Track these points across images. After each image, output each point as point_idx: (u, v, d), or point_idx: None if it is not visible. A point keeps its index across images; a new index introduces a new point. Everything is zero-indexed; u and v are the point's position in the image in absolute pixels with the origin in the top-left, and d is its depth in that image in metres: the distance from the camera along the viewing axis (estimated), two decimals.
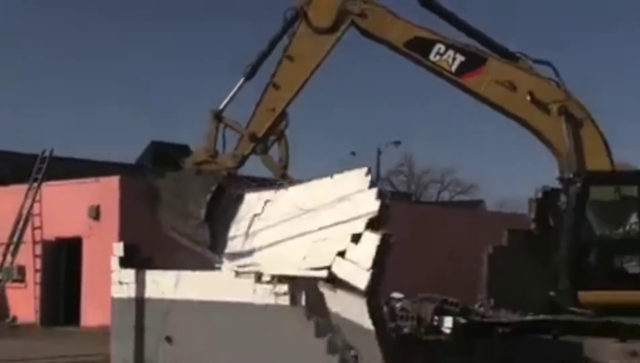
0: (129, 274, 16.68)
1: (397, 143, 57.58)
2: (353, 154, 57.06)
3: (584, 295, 14.50)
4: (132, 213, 25.18)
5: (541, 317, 15.05)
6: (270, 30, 15.27)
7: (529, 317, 15.21)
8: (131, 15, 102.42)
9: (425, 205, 49.20)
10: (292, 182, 14.73)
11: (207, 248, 14.82)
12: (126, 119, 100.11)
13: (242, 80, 15.22)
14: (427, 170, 73.07)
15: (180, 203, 14.90)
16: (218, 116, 15.22)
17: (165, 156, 40.76)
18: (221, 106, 15.30)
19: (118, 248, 17.27)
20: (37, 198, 27.48)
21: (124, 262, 16.88)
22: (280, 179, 15.33)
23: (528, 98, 15.22)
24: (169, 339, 15.74)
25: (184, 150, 47.80)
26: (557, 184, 16.11)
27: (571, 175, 15.12)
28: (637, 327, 13.89)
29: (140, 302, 16.46)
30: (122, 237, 22.40)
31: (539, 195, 16.62)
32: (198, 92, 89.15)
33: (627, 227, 15.28)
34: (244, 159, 15.26)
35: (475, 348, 15.27)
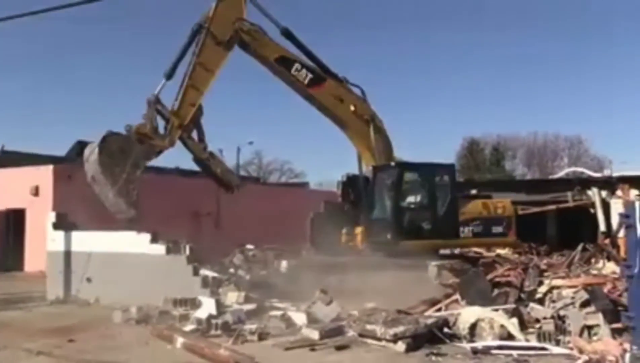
0: (59, 234, 16.16)
1: (250, 143, 57.51)
2: (251, 143, 56.80)
3: (403, 244, 15.07)
4: (62, 191, 24.27)
5: (341, 258, 15.37)
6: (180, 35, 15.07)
7: (337, 258, 15.48)
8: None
9: (269, 185, 49.08)
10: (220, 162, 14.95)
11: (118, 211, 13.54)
12: (60, 120, 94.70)
13: (163, 80, 14.19)
14: (271, 161, 73.40)
15: (121, 157, 13.37)
16: (157, 102, 14.15)
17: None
18: (156, 92, 14.13)
19: (51, 216, 16.71)
20: None
21: (56, 226, 16.35)
22: (204, 154, 14.79)
23: (352, 108, 15.64)
24: (89, 279, 15.29)
25: None
26: (354, 170, 16.57)
27: (392, 164, 15.82)
28: (405, 264, 14.44)
29: (67, 253, 15.97)
30: (54, 208, 21.42)
31: (344, 178, 17.08)
32: (116, 91, 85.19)
33: (420, 199, 15.96)
34: (174, 141, 14.42)
35: (302, 278, 15.51)
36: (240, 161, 57.94)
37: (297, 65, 15.20)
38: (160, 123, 14.38)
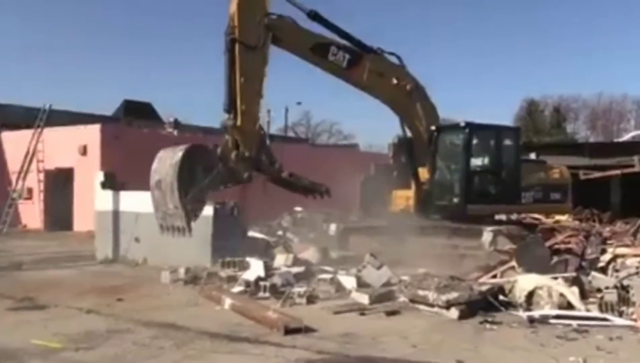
0: (107, 194, 16.54)
1: (299, 103, 57.69)
2: (299, 103, 56.91)
3: (470, 208, 14.96)
4: (109, 151, 24.83)
5: (392, 222, 15.35)
6: None
7: (386, 222, 15.46)
8: None
9: (318, 147, 49.12)
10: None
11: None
12: (106, 81, 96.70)
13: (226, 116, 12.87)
14: (319, 123, 73.44)
15: (202, 175, 12.33)
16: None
17: (133, 111, 40.03)
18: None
19: (99, 176, 17.09)
20: (41, 139, 26.90)
21: (104, 185, 16.73)
22: (284, 173, 13.79)
23: (394, 82, 15.21)
24: (137, 240, 15.66)
25: (147, 106, 46.50)
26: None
27: (462, 124, 15.47)
28: (459, 229, 14.36)
29: (115, 213, 16.36)
30: (102, 167, 21.96)
31: (395, 140, 16.93)
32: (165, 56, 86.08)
33: (488, 162, 15.76)
34: (251, 176, 13.06)
35: (350, 244, 15.59)
36: (288, 122, 58.23)
37: (333, 49, 14.47)
38: None
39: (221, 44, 12.88)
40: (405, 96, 15.32)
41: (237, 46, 12.72)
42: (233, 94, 12.63)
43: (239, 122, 12.56)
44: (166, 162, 12.24)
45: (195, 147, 12.51)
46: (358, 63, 14.70)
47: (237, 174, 12.72)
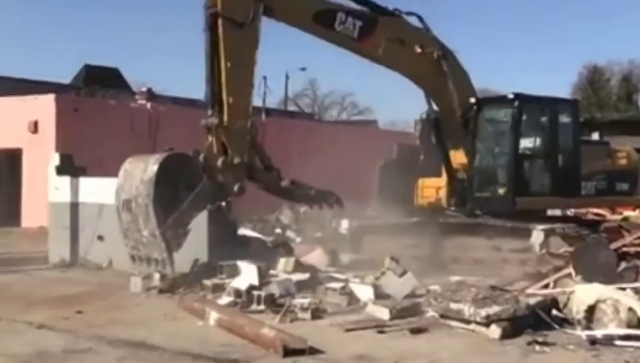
0: (64, 181, 16.61)
1: (303, 69, 57.20)
2: (303, 69, 56.43)
3: (520, 201, 14.91)
4: (66, 127, 24.88)
5: (419, 218, 15.35)
6: None
7: (412, 220, 15.47)
8: None
9: (326, 123, 49.20)
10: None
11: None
12: (61, 42, 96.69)
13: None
14: (328, 94, 73.43)
15: (185, 192, 12.36)
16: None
17: (96, 78, 40.08)
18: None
19: (54, 159, 17.15)
20: None
21: (60, 170, 16.79)
22: (285, 183, 13.68)
23: (418, 50, 15.08)
24: (100, 238, 15.73)
25: (114, 73, 46.53)
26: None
27: (510, 96, 15.39)
28: (502, 227, 14.35)
29: (74, 205, 16.44)
30: (58, 148, 22.02)
31: (424, 115, 16.86)
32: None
33: (541, 144, 15.75)
34: (244, 188, 12.81)
35: (365, 245, 15.61)
36: (289, 92, 58.11)
37: (340, 16, 14.18)
38: None
39: (200, 17, 12.62)
40: (432, 66, 15.22)
41: (220, 22, 12.42)
42: (217, 84, 12.41)
43: (225, 120, 12.32)
44: (136, 177, 12.08)
45: (172, 157, 12.41)
46: (372, 31, 14.51)
47: (227, 186, 12.47)
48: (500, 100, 15.84)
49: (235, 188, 12.45)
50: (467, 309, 9.65)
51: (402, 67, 15.17)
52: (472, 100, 15.51)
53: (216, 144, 12.38)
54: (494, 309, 9.48)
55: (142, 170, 11.98)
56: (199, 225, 13.16)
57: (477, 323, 9.45)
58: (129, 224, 12.17)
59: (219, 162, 12.25)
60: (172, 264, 11.87)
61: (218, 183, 12.34)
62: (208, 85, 12.49)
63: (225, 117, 12.32)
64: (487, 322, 9.35)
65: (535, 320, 9.51)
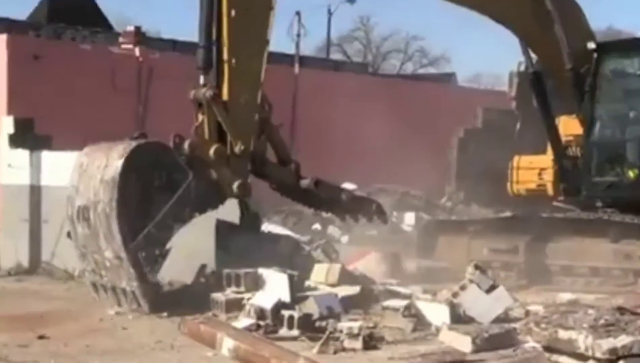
0: (22, 155, 16.69)
1: (351, 2, 56.98)
2: (352, 1, 56.13)
3: None
4: (23, 81, 25.07)
5: (513, 211, 15.34)
6: None
7: (505, 214, 15.48)
8: None
9: (384, 77, 49.24)
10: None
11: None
12: None
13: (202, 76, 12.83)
14: (387, 37, 73.11)
15: (163, 194, 12.69)
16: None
17: (64, 12, 40.44)
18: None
19: (7, 124, 17.23)
20: None
21: (15, 140, 16.83)
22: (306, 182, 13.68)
23: None
24: (70, 235, 15.80)
25: (88, 6, 47.00)
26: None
27: None
28: (634, 225, 14.26)
29: (35, 189, 16.52)
30: (11, 110, 22.19)
31: (521, 67, 16.80)
32: None
33: None
34: (248, 190, 13.21)
35: (439, 248, 15.63)
36: (332, 34, 57.99)
37: None
38: None
39: None
40: (531, 4, 15.26)
41: None
42: (216, 39, 12.49)
43: (225, 91, 12.45)
44: (94, 176, 12.13)
45: (144, 148, 12.41)
46: None
47: (222, 185, 12.63)
48: (630, 45, 15.73)
49: (235, 187, 12.56)
50: (583, 340, 9.65)
51: (494, 11, 15.20)
52: (590, 46, 15.43)
53: (209, 126, 12.40)
54: (622, 340, 9.47)
55: (102, 166, 12.00)
56: (205, 219, 13.31)
57: (597, 360, 9.44)
58: (86, 240, 12.27)
59: (212, 150, 12.29)
60: (146, 299, 11.88)
61: (210, 182, 12.47)
62: (203, 39, 12.52)
63: (225, 87, 12.40)
64: (612, 358, 9.35)
65: None
